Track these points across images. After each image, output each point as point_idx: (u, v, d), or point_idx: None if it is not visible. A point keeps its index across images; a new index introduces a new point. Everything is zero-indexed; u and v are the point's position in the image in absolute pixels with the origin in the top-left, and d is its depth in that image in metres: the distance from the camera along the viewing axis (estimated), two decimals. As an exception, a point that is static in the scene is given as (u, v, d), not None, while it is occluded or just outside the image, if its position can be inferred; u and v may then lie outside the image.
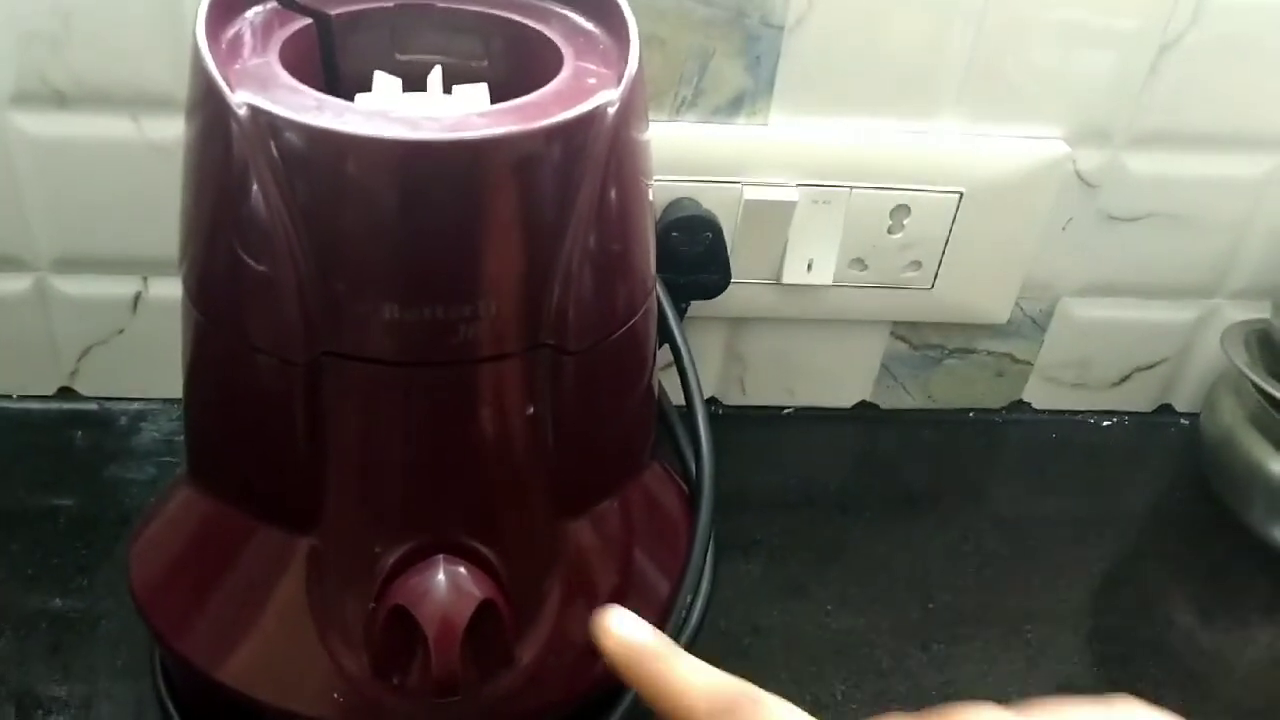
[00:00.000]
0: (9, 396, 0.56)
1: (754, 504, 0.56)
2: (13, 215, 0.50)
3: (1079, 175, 0.54)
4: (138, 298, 0.53)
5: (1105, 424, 0.63)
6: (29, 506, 0.51)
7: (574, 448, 0.37)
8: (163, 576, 0.39)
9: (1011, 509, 0.58)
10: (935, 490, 0.58)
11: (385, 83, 0.37)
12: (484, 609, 0.35)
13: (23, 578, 0.48)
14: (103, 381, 0.56)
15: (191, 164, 0.34)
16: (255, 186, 0.31)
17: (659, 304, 0.43)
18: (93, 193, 0.50)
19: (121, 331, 0.54)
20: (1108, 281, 0.58)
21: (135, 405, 0.57)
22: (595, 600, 0.39)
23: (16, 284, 0.53)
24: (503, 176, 0.32)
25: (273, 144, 0.31)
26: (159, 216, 0.47)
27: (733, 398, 0.61)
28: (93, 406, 0.57)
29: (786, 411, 0.62)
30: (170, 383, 0.53)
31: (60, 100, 0.48)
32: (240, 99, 0.31)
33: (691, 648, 0.42)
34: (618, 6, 0.36)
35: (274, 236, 0.32)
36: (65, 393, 0.57)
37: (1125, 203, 0.56)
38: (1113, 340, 0.61)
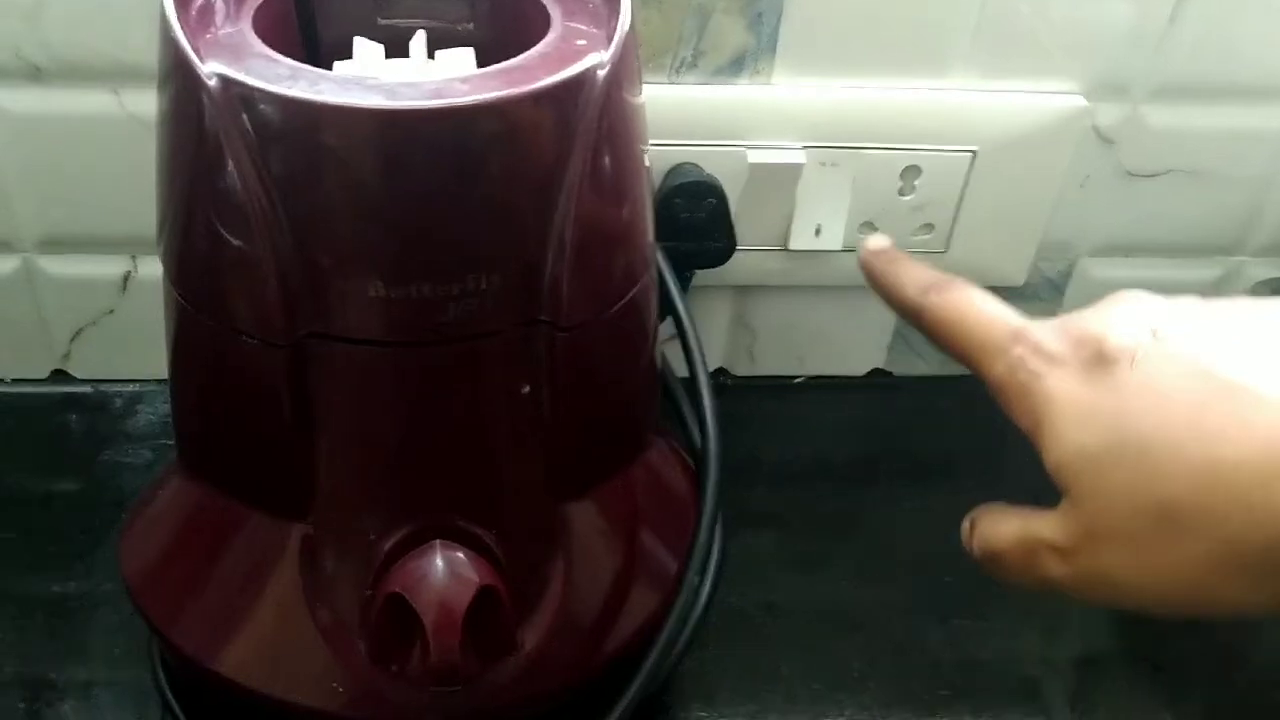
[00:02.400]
0: (2, 380, 0.55)
1: (764, 476, 0.54)
2: (-5, 195, 0.49)
3: (1097, 131, 0.52)
4: (127, 277, 0.52)
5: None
6: (24, 492, 0.50)
7: (572, 427, 0.36)
8: (156, 566, 0.38)
9: (1032, 479, 0.55)
10: (952, 460, 0.56)
11: (366, 49, 0.35)
12: (483, 595, 0.34)
13: (19, 565, 0.47)
14: (96, 363, 0.55)
15: (164, 139, 0.33)
16: (229, 161, 0.30)
17: (660, 274, 0.41)
18: (76, 170, 0.49)
19: (112, 312, 0.53)
20: (1128, 241, 0.56)
21: (130, 387, 0.56)
22: (599, 583, 0.38)
23: (3, 266, 0.52)
24: (487, 145, 0.30)
25: (245, 116, 0.29)
26: (145, 193, 0.45)
27: (741, 367, 0.59)
28: (87, 389, 0.56)
29: (797, 381, 0.60)
30: (164, 363, 0.52)
31: (36, 74, 0.46)
32: (210, 69, 0.30)
33: (702, 627, 0.41)
34: (608, -38, 0.34)
35: (251, 214, 0.30)
36: (58, 375, 0.56)
37: (1145, 159, 0.53)
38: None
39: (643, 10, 0.33)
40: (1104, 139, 0.52)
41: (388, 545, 0.35)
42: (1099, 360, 0.29)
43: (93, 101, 0.47)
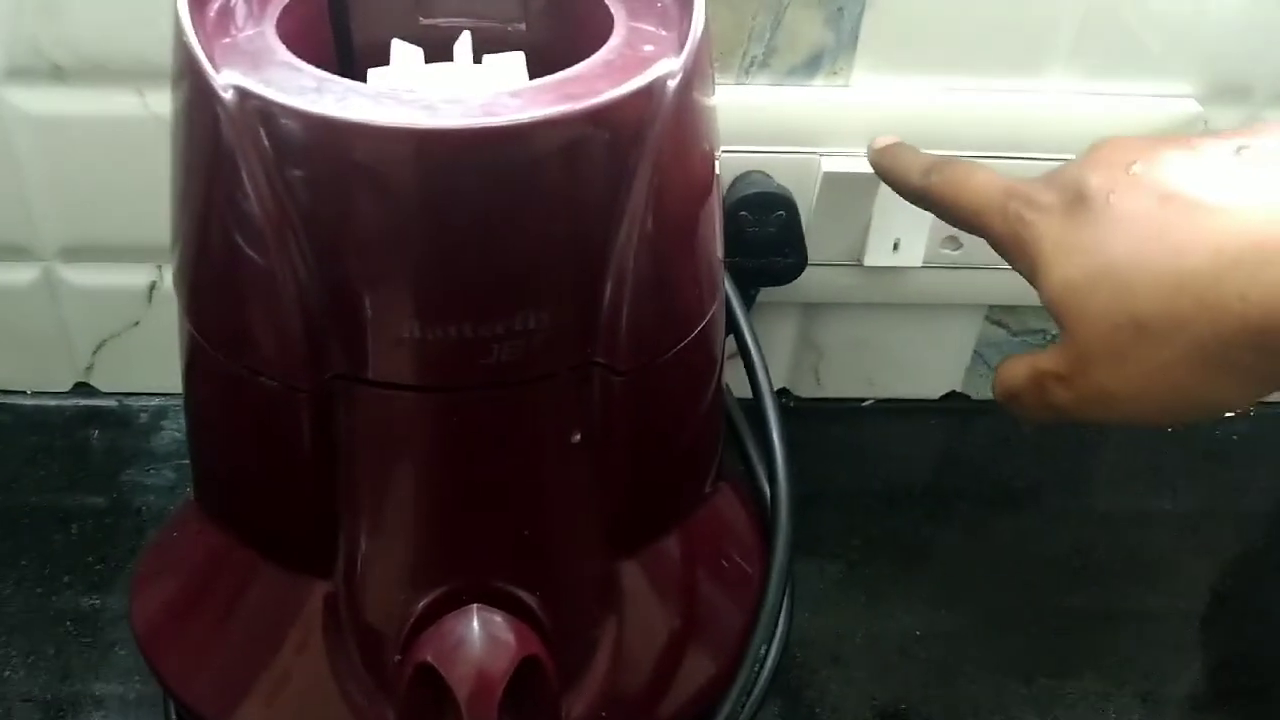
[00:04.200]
0: (23, 393, 0.53)
1: (830, 506, 0.50)
2: (14, 201, 0.46)
3: (1211, 138, 0.47)
4: (152, 287, 0.49)
5: (1229, 415, 0.56)
6: (45, 510, 0.48)
7: (628, 479, 0.32)
8: (168, 618, 0.35)
9: (1124, 512, 0.51)
10: (1035, 490, 0.52)
11: (404, 53, 0.31)
12: (524, 665, 0.30)
13: (38, 584, 0.45)
14: (120, 376, 0.52)
15: (176, 154, 0.30)
16: (247, 183, 0.27)
17: (726, 297, 0.37)
18: (98, 175, 0.46)
19: (137, 324, 0.50)
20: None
21: (155, 401, 0.53)
22: (652, 649, 0.34)
23: (23, 275, 0.49)
24: (541, 169, 0.26)
25: (263, 133, 0.26)
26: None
27: (806, 389, 0.55)
28: (111, 403, 0.53)
29: (866, 403, 0.56)
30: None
31: (58, 74, 0.43)
32: (226, 80, 0.26)
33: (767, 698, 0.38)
34: (678, -44, 0.30)
35: (270, 244, 0.27)
36: (81, 388, 0.53)
37: (1264, 168, 0.48)
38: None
39: (710, 5, 0.29)
40: (1219, 147, 0.48)
41: (419, 607, 0.31)
42: (1080, 201, 0.32)
43: (116, 102, 0.44)
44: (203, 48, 0.27)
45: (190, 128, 0.28)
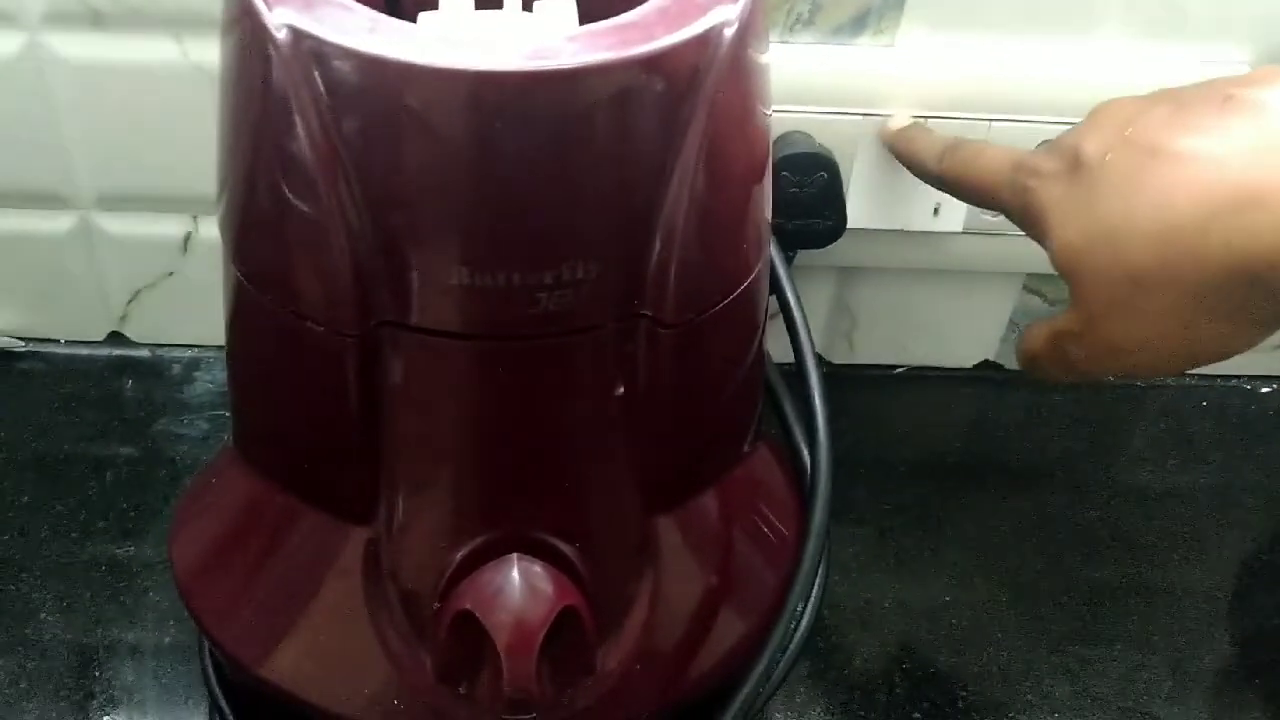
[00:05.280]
0: (57, 341, 0.53)
1: (861, 475, 0.50)
2: (52, 148, 0.46)
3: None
4: (188, 238, 0.49)
5: (1264, 390, 0.56)
6: (79, 458, 0.49)
7: (669, 433, 0.32)
8: (206, 560, 0.35)
9: (1156, 485, 0.51)
10: (1068, 462, 0.52)
11: (454, -2, 0.31)
12: (563, 615, 0.30)
13: (73, 532, 0.45)
14: (154, 327, 0.53)
15: (225, 97, 0.29)
16: (298, 125, 0.26)
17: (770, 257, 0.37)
18: (136, 123, 0.46)
19: (171, 274, 0.51)
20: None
21: (189, 352, 0.53)
22: (688, 605, 0.34)
23: (59, 223, 0.49)
24: (595, 115, 0.26)
25: (318, 74, 0.26)
26: (208, 149, 0.42)
27: (839, 355, 0.55)
28: (144, 353, 0.53)
29: (899, 371, 0.55)
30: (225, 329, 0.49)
31: (96, 19, 0.43)
32: (279, 19, 0.26)
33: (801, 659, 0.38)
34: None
35: (321, 187, 0.27)
36: (115, 338, 0.53)
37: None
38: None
39: (758, -41, 0.29)
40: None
41: (460, 556, 0.31)
42: (1078, 165, 0.32)
43: (155, 49, 0.44)
44: (256, -14, 0.26)
45: (241, 69, 0.28)
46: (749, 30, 0.27)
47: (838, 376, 0.55)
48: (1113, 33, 0.44)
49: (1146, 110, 0.32)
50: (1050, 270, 0.52)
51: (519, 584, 0.31)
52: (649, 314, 0.29)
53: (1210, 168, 0.30)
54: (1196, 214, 0.30)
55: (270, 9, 0.26)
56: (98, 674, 0.41)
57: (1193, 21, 0.44)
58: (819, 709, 0.41)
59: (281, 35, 0.26)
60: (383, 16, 0.26)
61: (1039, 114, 0.44)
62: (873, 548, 0.47)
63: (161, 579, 0.44)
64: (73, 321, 0.53)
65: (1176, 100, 0.32)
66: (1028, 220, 0.34)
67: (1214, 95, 0.31)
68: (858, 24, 0.44)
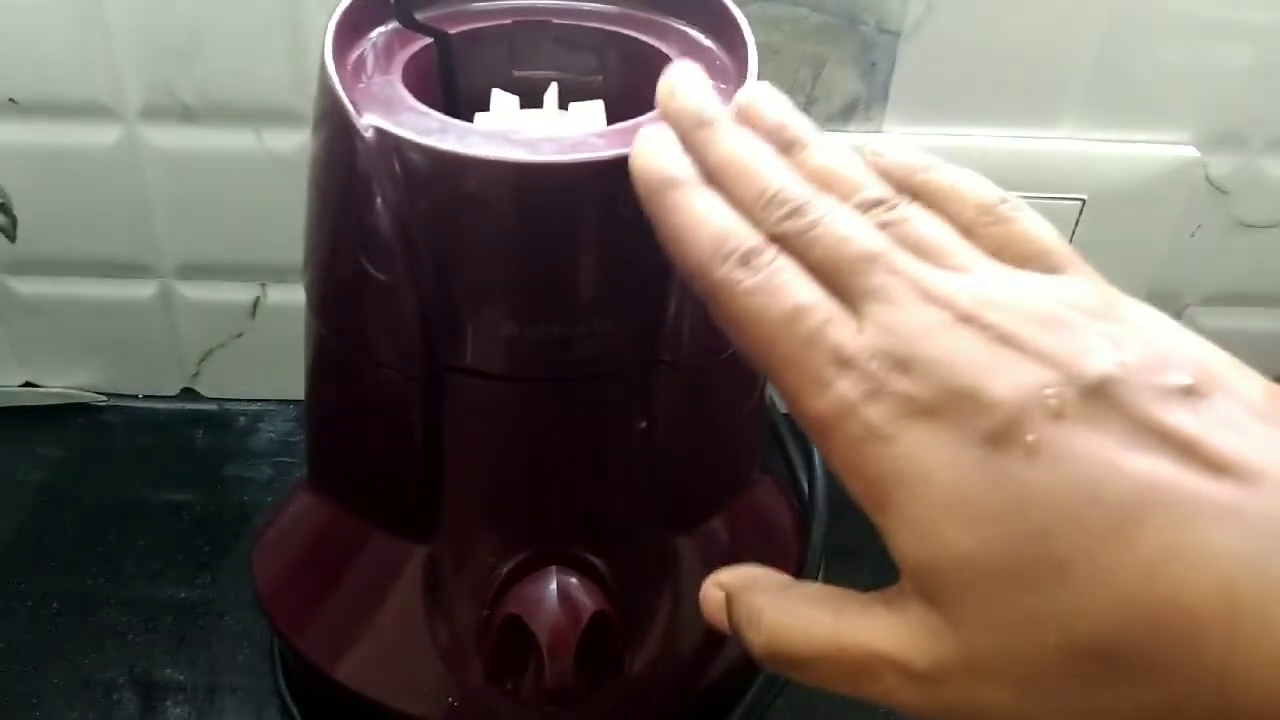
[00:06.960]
0: (135, 396, 0.59)
1: (855, 509, 0.54)
2: (141, 224, 0.52)
3: (1210, 181, 0.52)
4: (256, 303, 0.55)
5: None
6: (154, 503, 0.53)
7: (685, 461, 0.37)
8: (284, 577, 0.40)
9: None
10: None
11: (503, 100, 0.37)
12: (596, 619, 0.35)
13: (149, 572, 0.50)
14: (222, 383, 0.58)
15: (316, 180, 0.35)
16: (379, 204, 0.32)
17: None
18: (215, 202, 0.51)
19: (240, 335, 0.56)
20: (1238, 290, 0.56)
21: (254, 406, 0.58)
22: (704, 616, 0.39)
23: (143, 290, 0.55)
24: (620, 197, 0.31)
25: (397, 164, 0.31)
26: (278, 225, 0.47)
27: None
28: (213, 407, 0.58)
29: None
30: (285, 385, 0.55)
31: (187, 114, 0.49)
32: (367, 122, 0.32)
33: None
34: (735, 21, 0.36)
35: (396, 254, 0.32)
36: (187, 394, 0.59)
37: (1259, 209, 0.53)
38: (1242, 352, 0.57)
39: (759, 60, 0.35)
40: (1218, 189, 0.52)
41: (506, 569, 0.36)
42: (986, 424, 0.21)
43: (236, 140, 0.50)
44: (346, 94, 0.32)
45: (331, 158, 0.34)
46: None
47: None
48: (1071, 122, 0.50)
49: (1109, 353, 0.22)
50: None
51: (558, 592, 0.35)
52: (667, 359, 0.35)
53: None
54: (1216, 601, 0.19)
55: (360, 113, 0.32)
56: (169, 709, 0.45)
57: (1141, 110, 0.50)
58: (819, 709, 0.45)
59: (369, 134, 0.31)
60: (449, 118, 0.32)
61: (1008, 189, 0.50)
62: (869, 583, 0.50)
63: (233, 605, 0.48)
64: (150, 378, 0.58)
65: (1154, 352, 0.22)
66: (858, 469, 0.22)
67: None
68: (847, 113, 0.50)
